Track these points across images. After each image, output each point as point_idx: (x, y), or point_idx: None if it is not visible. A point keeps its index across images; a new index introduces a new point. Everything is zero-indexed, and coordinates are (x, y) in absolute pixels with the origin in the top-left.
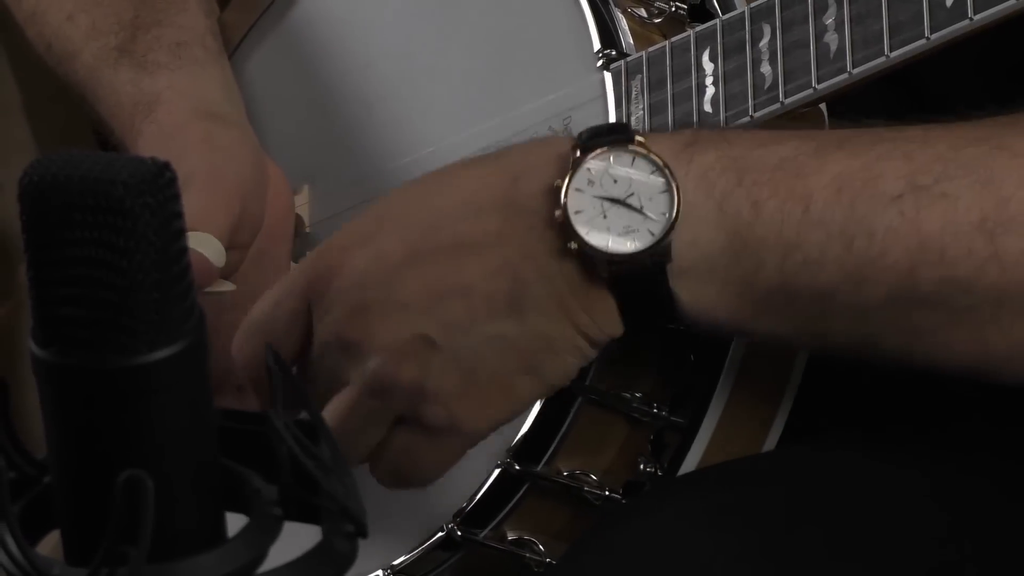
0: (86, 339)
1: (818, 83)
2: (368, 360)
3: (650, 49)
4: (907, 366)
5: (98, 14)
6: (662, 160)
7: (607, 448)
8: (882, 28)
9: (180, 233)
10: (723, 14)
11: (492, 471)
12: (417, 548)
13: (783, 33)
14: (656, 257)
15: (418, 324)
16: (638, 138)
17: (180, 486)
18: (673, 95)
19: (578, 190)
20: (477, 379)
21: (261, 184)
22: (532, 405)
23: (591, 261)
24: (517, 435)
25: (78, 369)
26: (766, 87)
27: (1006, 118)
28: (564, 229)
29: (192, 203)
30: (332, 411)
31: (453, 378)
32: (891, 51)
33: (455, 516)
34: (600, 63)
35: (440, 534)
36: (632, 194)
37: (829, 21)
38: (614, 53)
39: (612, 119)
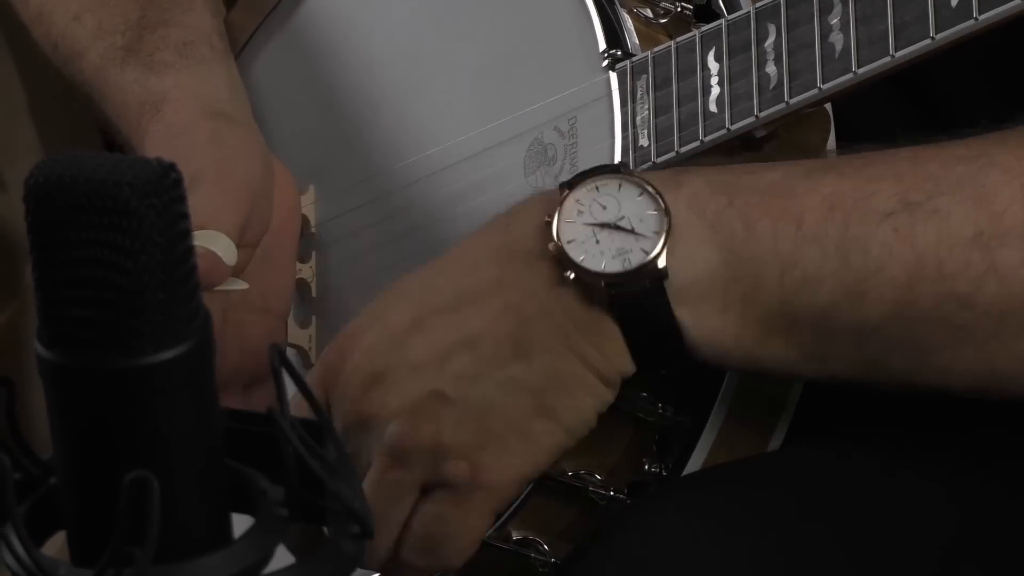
0: (92, 340)
1: (823, 83)
2: (386, 429)
3: (655, 49)
4: (917, 389)
5: (104, 14)
6: (650, 184)
7: (612, 448)
8: (887, 28)
9: (186, 234)
10: (728, 14)
11: None
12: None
13: (788, 33)
14: (653, 275)
15: (429, 382)
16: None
17: (186, 487)
18: (678, 95)
19: (569, 221)
20: (493, 427)
21: (268, 183)
22: (553, 453)
23: (590, 288)
24: None
25: (84, 370)
26: (771, 87)
27: (996, 135)
28: (559, 260)
29: (202, 201)
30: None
31: (470, 429)
32: (896, 51)
33: None
34: (605, 63)
35: None
36: (623, 216)
37: (834, 21)
38: (619, 53)
39: (617, 119)
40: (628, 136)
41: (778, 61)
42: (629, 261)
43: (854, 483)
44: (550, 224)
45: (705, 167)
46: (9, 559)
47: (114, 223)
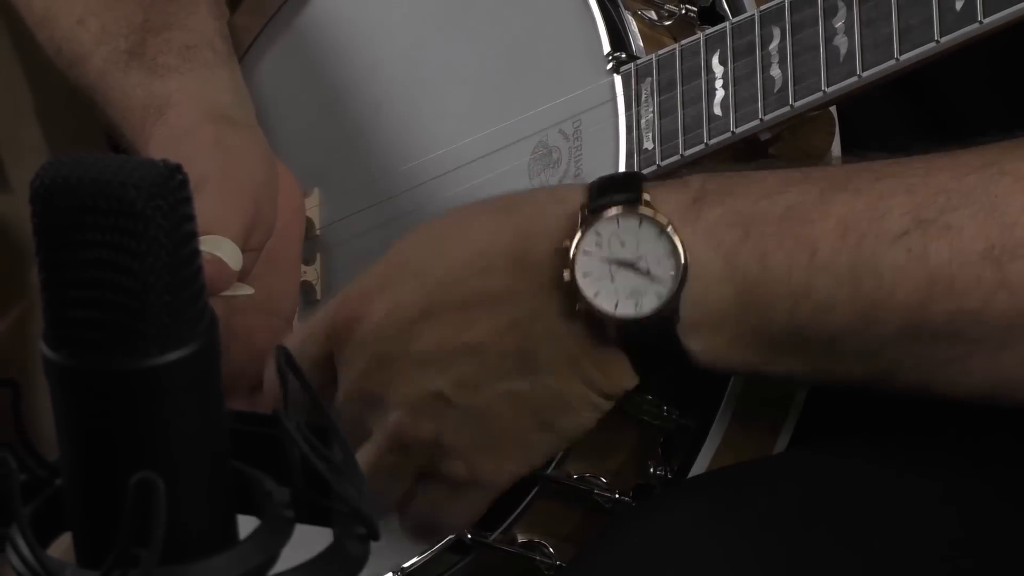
0: (97, 341)
1: (828, 86)
2: (388, 414)
3: (660, 52)
4: (927, 396)
5: (108, 18)
6: (669, 222)
7: (617, 451)
8: (892, 31)
9: (192, 236)
10: (733, 17)
11: None
12: (428, 551)
13: (793, 36)
14: (665, 318)
15: (434, 382)
16: (646, 196)
17: (192, 488)
18: (683, 98)
19: (586, 252)
20: (493, 435)
21: (272, 187)
22: (550, 456)
23: (599, 323)
24: None
25: (89, 371)
26: (776, 90)
27: (1009, 143)
28: (572, 291)
29: (206, 206)
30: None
31: (469, 434)
32: (901, 54)
33: None
34: (610, 66)
35: (450, 536)
36: (640, 257)
37: (839, 24)
38: (624, 56)
39: (622, 122)
40: (633, 139)
41: (783, 64)
42: (642, 306)
43: (858, 486)
44: (567, 250)
45: (725, 184)
46: (15, 560)
47: (120, 225)
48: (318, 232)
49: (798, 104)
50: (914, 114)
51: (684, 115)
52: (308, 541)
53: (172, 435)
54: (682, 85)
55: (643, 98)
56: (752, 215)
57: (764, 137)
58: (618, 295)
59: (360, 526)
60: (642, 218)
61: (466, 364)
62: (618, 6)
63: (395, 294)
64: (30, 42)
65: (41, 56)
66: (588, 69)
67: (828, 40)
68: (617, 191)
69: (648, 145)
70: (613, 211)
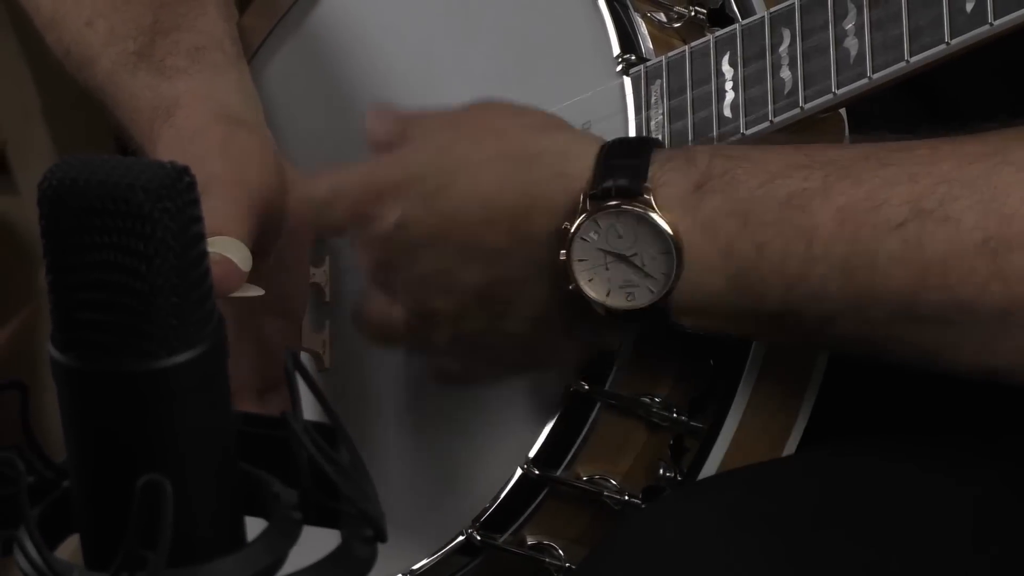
0: (105, 343)
1: (838, 88)
2: (395, 311)
3: (670, 54)
4: (925, 371)
5: (117, 19)
6: (669, 222)
7: (626, 453)
8: (902, 33)
9: (199, 237)
10: (743, 19)
11: (512, 476)
12: (437, 552)
13: (803, 38)
14: (656, 308)
15: (432, 300)
16: (647, 184)
17: (199, 490)
18: (692, 100)
19: (583, 239)
20: (486, 354)
21: (281, 188)
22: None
23: (588, 303)
24: (537, 440)
25: (97, 373)
26: (786, 92)
27: (1014, 130)
28: (565, 271)
29: (215, 207)
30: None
31: (463, 349)
32: (911, 56)
33: (475, 520)
34: (619, 68)
35: (460, 538)
36: (635, 253)
37: (849, 26)
38: (633, 58)
39: (632, 124)
40: None
41: (793, 66)
42: (634, 297)
43: (869, 487)
44: (566, 232)
45: (730, 168)
46: (23, 562)
47: (128, 227)
48: None
49: (808, 106)
50: (923, 113)
51: (694, 117)
52: (316, 543)
53: (180, 437)
54: (692, 87)
55: (653, 100)
56: (752, 202)
57: (774, 140)
58: (611, 284)
59: (368, 528)
60: (641, 215)
61: (463, 296)
62: (628, 8)
63: (405, 209)
64: (38, 44)
65: (49, 58)
66: (598, 71)
67: (838, 42)
68: (621, 174)
69: None
70: (614, 205)
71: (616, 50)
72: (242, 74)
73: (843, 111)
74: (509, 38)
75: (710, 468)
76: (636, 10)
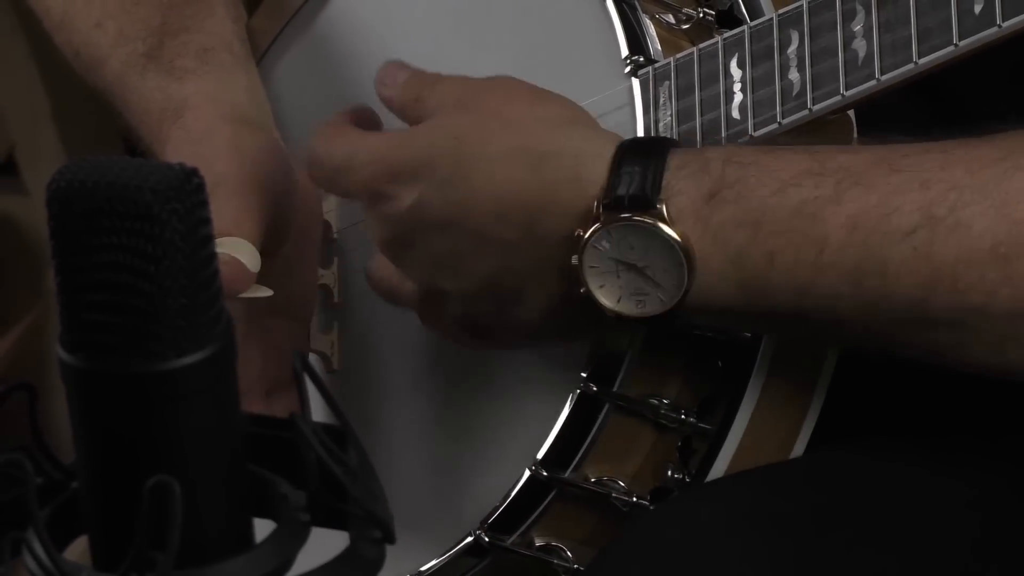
0: (113, 345)
1: (846, 90)
2: (406, 284)
3: (678, 56)
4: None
5: (125, 21)
6: (680, 234)
7: (634, 454)
8: (910, 35)
9: (208, 239)
10: (751, 20)
11: (520, 477)
12: (445, 554)
13: (811, 40)
14: (665, 316)
15: (443, 281)
16: (660, 195)
17: (208, 491)
18: (701, 102)
19: (596, 247)
20: (492, 331)
21: (290, 189)
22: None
23: (597, 306)
24: (545, 441)
25: (105, 375)
26: (794, 94)
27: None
28: (576, 276)
29: (224, 208)
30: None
31: (469, 325)
32: (919, 58)
33: (483, 522)
34: (628, 69)
35: (468, 540)
36: (647, 265)
37: (857, 28)
38: (642, 59)
39: (640, 126)
40: None
41: (801, 68)
42: (644, 305)
43: (877, 489)
44: (579, 239)
45: (741, 178)
46: (32, 564)
47: (136, 228)
48: (335, 235)
49: (816, 108)
50: (932, 115)
51: (702, 119)
52: (324, 544)
53: (188, 438)
54: (700, 89)
55: (661, 102)
56: (763, 211)
57: (782, 141)
58: (622, 292)
59: (376, 529)
60: (653, 229)
61: (472, 281)
62: (636, 10)
63: (421, 194)
64: (47, 46)
65: (58, 60)
66: (606, 73)
67: (847, 44)
68: (635, 183)
69: None
70: (626, 215)
71: (624, 52)
72: (250, 75)
73: (851, 112)
74: (517, 39)
75: (718, 470)
76: (644, 12)
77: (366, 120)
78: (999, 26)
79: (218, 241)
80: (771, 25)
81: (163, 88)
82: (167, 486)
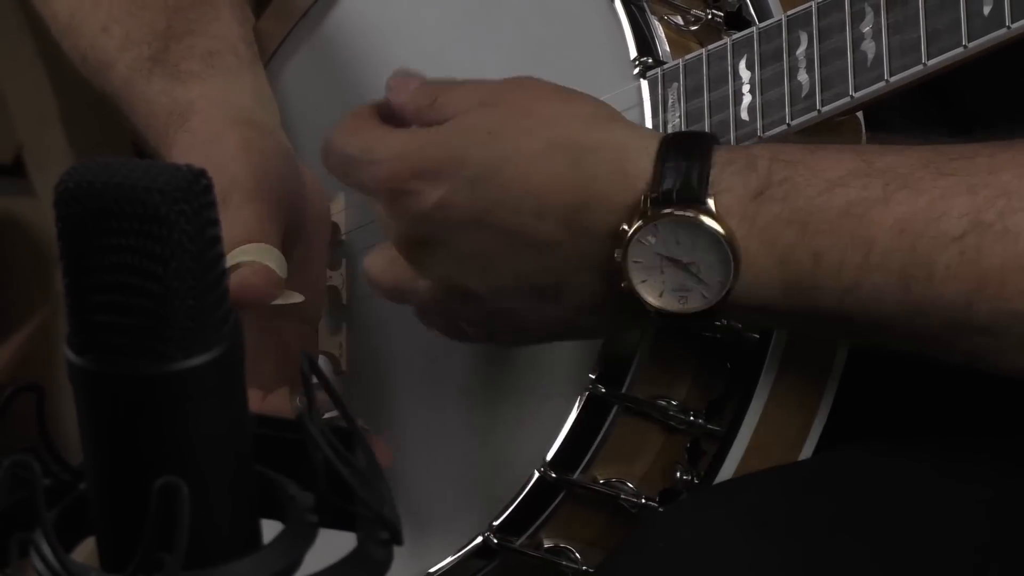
0: (122, 346)
1: (855, 91)
2: (421, 279)
3: (687, 57)
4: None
5: (132, 25)
6: (727, 230)
7: (643, 456)
8: (919, 36)
9: (216, 240)
10: (760, 22)
11: (529, 479)
12: (453, 555)
13: (820, 41)
14: (708, 312)
15: (470, 279)
16: (709, 190)
17: (216, 492)
18: (710, 103)
19: (641, 242)
20: (514, 328)
21: (300, 192)
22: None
23: (638, 301)
24: (553, 443)
25: (114, 376)
26: (803, 95)
27: None
28: (619, 270)
29: (243, 213)
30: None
31: (492, 323)
32: (928, 59)
33: (491, 523)
34: (636, 71)
35: (477, 541)
36: (692, 262)
37: (866, 29)
38: (650, 61)
39: (649, 127)
40: None
41: (810, 69)
42: (687, 301)
43: (886, 490)
44: (624, 234)
45: (789, 175)
46: (39, 565)
47: (144, 229)
48: (343, 237)
49: (825, 109)
50: (940, 116)
51: (711, 121)
52: (332, 546)
53: (196, 439)
54: (709, 90)
55: (670, 103)
56: (811, 211)
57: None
58: (665, 287)
59: (384, 531)
60: (701, 224)
61: (504, 279)
62: (644, 11)
63: (447, 191)
64: (55, 49)
65: (65, 62)
66: (614, 74)
67: (856, 45)
68: (684, 177)
69: None
70: (674, 209)
71: (633, 53)
72: (257, 77)
73: (860, 114)
74: (526, 40)
75: (727, 471)
76: (653, 13)
77: (391, 116)
78: (1008, 27)
79: (244, 248)
80: (780, 26)
81: (168, 92)
82: (175, 487)
